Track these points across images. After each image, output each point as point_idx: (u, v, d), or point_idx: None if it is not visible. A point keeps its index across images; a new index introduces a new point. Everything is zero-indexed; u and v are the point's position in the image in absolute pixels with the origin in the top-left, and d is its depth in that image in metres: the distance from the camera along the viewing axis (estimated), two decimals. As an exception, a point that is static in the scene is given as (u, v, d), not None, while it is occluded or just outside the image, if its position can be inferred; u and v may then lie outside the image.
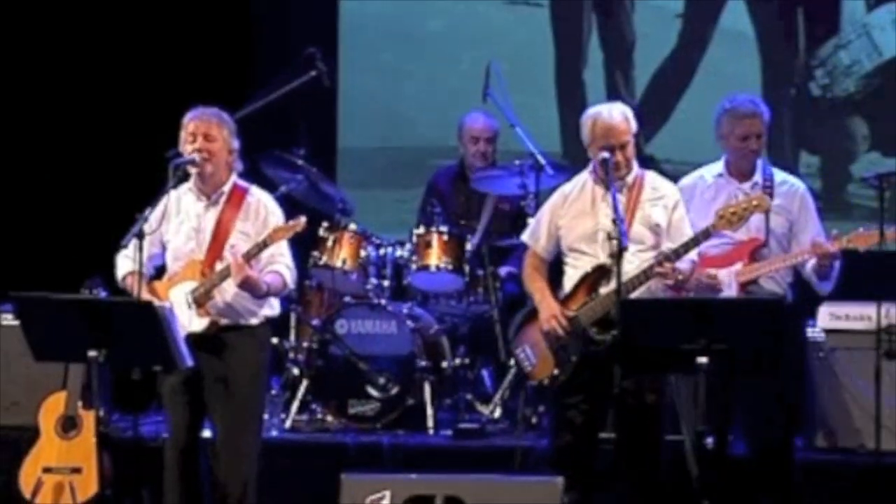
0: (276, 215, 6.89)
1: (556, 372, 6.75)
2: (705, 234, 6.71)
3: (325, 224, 8.57)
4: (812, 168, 9.70)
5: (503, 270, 8.63)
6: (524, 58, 9.85)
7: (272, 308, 6.94)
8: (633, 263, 6.64)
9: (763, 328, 6.20)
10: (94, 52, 9.82)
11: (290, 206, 8.63)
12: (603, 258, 6.69)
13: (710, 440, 6.70)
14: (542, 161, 8.45)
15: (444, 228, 8.52)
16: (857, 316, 7.76)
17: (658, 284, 6.69)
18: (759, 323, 6.24)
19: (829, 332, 7.84)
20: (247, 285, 6.68)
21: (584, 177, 6.91)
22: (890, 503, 7.33)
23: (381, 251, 8.61)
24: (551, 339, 6.76)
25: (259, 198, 6.92)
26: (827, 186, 9.66)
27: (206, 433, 7.00)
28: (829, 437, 7.78)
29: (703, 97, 9.59)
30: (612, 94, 9.86)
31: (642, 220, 6.75)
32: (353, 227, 8.58)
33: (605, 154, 6.70)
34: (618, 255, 6.47)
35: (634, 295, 6.62)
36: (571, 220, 6.83)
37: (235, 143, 6.91)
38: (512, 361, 7.14)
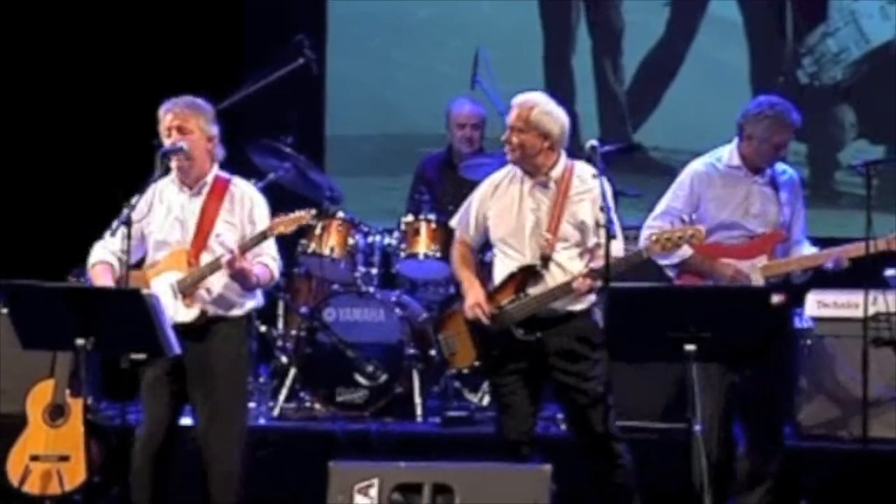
0: (260, 205, 6.87)
1: (476, 364, 6.72)
2: (638, 256, 6.61)
3: (313, 212, 8.54)
4: (800, 156, 9.70)
5: (489, 256, 8.63)
6: (512, 45, 9.84)
7: (256, 299, 6.92)
8: (561, 264, 6.60)
9: (751, 316, 6.20)
10: (83, 40, 9.81)
11: (279, 194, 8.64)
12: (529, 255, 6.61)
13: (698, 428, 6.70)
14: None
15: (432, 216, 8.52)
16: (845, 303, 7.77)
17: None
18: (746, 311, 6.24)
19: (816, 319, 7.85)
20: (239, 276, 6.67)
21: (512, 168, 6.80)
22: (877, 490, 7.34)
23: (370, 239, 8.61)
24: (474, 329, 6.74)
25: (243, 188, 6.90)
26: (814, 174, 9.67)
27: (188, 421, 6.99)
28: (817, 424, 7.79)
29: (691, 85, 9.60)
30: (600, 82, 9.87)
31: (569, 216, 6.64)
32: (341, 214, 8.58)
33: (594, 141, 6.66)
34: (606, 242, 6.45)
35: (555, 305, 6.58)
36: (499, 214, 6.74)
37: (213, 130, 6.84)
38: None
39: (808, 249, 7.07)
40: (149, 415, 6.83)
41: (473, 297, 6.71)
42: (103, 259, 6.77)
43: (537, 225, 6.64)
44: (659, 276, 7.13)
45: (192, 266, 6.73)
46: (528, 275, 6.64)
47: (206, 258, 6.74)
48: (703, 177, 7.04)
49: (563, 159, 6.71)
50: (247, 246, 6.66)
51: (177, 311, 6.70)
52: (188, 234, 6.79)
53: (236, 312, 6.83)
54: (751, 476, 7.05)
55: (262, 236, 6.68)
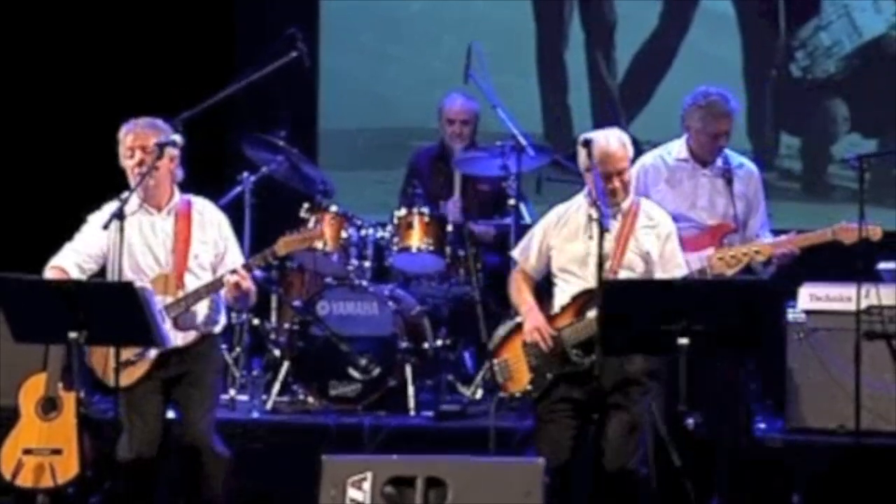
0: (225, 220, 6.93)
1: (529, 388, 6.71)
2: (701, 273, 6.68)
3: (306, 205, 8.55)
4: (792, 149, 9.71)
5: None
6: (505, 39, 9.84)
7: (225, 317, 7.01)
8: None
9: (743, 310, 6.21)
10: (72, 37, 9.79)
11: (271, 188, 8.65)
12: (593, 282, 6.61)
13: (690, 421, 6.71)
14: (524, 142, 8.45)
15: (425, 210, 8.52)
16: (838, 297, 7.77)
17: None
18: (739, 304, 6.24)
19: (809, 312, 7.85)
20: (243, 296, 6.75)
21: (579, 199, 6.80)
22: (870, 483, 7.35)
23: (363, 232, 8.60)
24: (531, 353, 6.71)
25: (205, 205, 6.93)
26: (807, 168, 9.68)
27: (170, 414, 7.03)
28: (809, 417, 7.80)
29: (684, 78, 9.58)
30: (593, 76, 9.87)
31: (635, 247, 6.67)
32: (334, 208, 8.57)
33: (588, 136, 6.66)
34: (599, 237, 6.46)
35: None
36: (564, 242, 6.74)
37: (175, 151, 6.82)
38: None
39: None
40: (136, 435, 6.82)
41: (533, 320, 6.69)
42: (61, 265, 6.77)
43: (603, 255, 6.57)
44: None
45: (179, 289, 6.73)
46: (589, 298, 6.61)
47: (189, 280, 6.75)
48: (649, 170, 7.15)
49: (632, 193, 6.74)
50: (253, 265, 6.71)
51: (175, 337, 6.72)
52: (167, 257, 6.79)
53: (214, 330, 6.93)
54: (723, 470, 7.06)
55: (273, 254, 6.72)
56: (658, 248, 6.68)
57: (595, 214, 6.51)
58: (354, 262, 8.53)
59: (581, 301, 6.66)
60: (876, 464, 7.41)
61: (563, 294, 6.74)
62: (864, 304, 7.45)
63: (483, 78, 8.72)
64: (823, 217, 9.01)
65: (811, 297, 7.86)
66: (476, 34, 9.18)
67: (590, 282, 6.62)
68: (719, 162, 7.13)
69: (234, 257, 6.87)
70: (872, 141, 9.53)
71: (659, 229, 6.71)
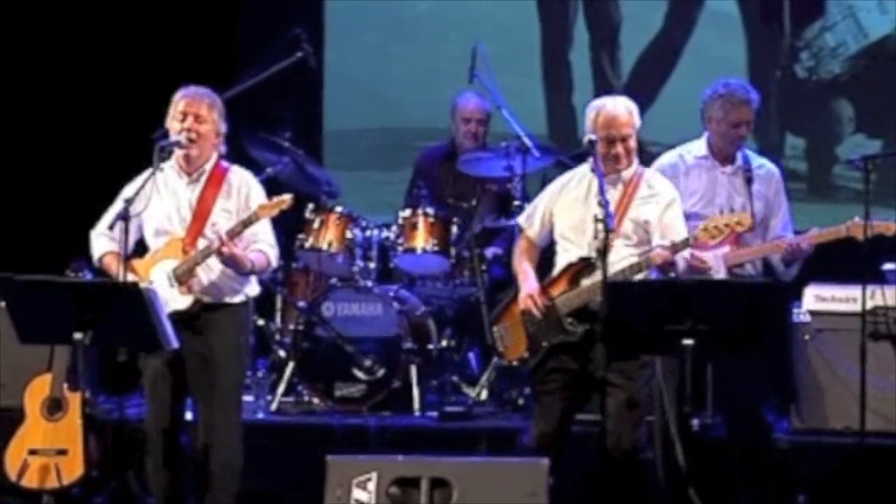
0: (258, 193, 6.89)
1: (525, 355, 6.76)
2: (684, 244, 6.68)
3: (311, 206, 8.56)
4: (797, 150, 9.71)
5: (489, 252, 8.63)
6: (510, 39, 9.84)
7: (253, 287, 6.93)
8: (618, 255, 6.64)
9: (747, 310, 6.20)
10: (79, 33, 9.79)
11: (276, 189, 8.64)
12: (589, 250, 6.68)
13: (695, 422, 6.71)
14: (528, 143, 8.45)
15: (430, 210, 8.51)
16: (843, 297, 7.77)
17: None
18: (743, 305, 6.24)
19: (814, 313, 7.85)
20: (232, 262, 6.67)
21: (585, 168, 6.87)
22: (875, 484, 7.34)
23: (368, 233, 8.60)
24: (527, 321, 6.77)
25: (241, 176, 6.92)
26: (812, 168, 9.68)
27: (189, 415, 7.00)
28: (815, 418, 7.79)
29: (689, 79, 9.59)
30: (598, 76, 9.87)
31: (633, 216, 6.72)
32: (339, 209, 8.58)
33: (593, 136, 6.70)
34: (605, 237, 6.47)
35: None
36: (565, 209, 6.82)
37: (223, 127, 6.90)
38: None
39: None
40: (152, 408, 6.86)
41: (527, 288, 6.77)
42: (109, 250, 6.77)
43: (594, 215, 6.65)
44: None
45: (187, 254, 6.74)
46: (583, 266, 6.70)
47: (202, 246, 6.75)
48: (667, 169, 7.12)
49: (636, 163, 6.79)
50: (234, 231, 6.67)
51: (174, 299, 6.71)
52: (185, 221, 6.80)
53: (233, 300, 6.84)
54: (740, 472, 7.06)
55: (249, 221, 6.68)
56: (657, 214, 6.71)
57: (600, 214, 6.52)
58: (359, 262, 8.53)
59: (575, 269, 6.72)
60: (881, 464, 7.40)
61: (561, 261, 6.80)
62: (869, 305, 7.44)
63: (488, 78, 8.72)
64: (829, 217, 8.99)
65: (816, 297, 7.85)
66: (481, 34, 9.18)
67: (585, 249, 6.69)
68: (739, 161, 7.11)
69: (257, 229, 6.77)
70: (877, 141, 9.52)
71: (659, 197, 6.76)
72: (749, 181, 7.10)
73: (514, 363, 6.86)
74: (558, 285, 6.76)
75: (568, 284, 6.73)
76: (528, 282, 6.80)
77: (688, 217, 6.97)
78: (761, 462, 7.04)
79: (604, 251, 6.47)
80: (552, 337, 6.70)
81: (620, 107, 6.74)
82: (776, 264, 7.09)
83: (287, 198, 6.71)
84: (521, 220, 7.05)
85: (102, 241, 6.86)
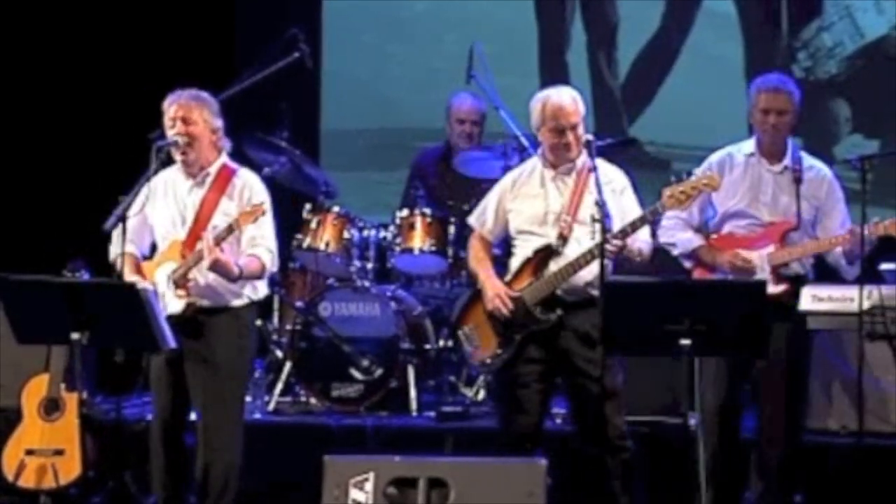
0: (259, 195, 6.87)
1: (499, 351, 6.78)
2: (653, 213, 6.69)
3: (308, 206, 8.56)
4: (795, 150, 9.70)
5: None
6: (507, 39, 9.84)
7: (257, 290, 6.93)
8: (581, 244, 6.67)
9: (746, 311, 6.20)
10: (77, 33, 9.79)
11: (274, 189, 8.63)
12: (552, 239, 6.70)
13: (693, 422, 6.68)
14: (526, 143, 8.45)
15: (427, 211, 8.52)
16: (840, 297, 7.75)
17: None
18: (740, 305, 6.24)
19: (811, 313, 7.84)
20: (217, 268, 6.66)
21: (534, 161, 6.94)
22: (872, 484, 7.35)
23: (365, 233, 8.60)
24: (495, 319, 6.78)
25: (245, 179, 6.91)
26: (810, 168, 9.67)
27: (193, 415, 7.00)
28: (812, 418, 7.79)
29: (686, 79, 9.60)
30: (595, 76, 9.87)
31: (590, 204, 6.71)
32: (336, 209, 8.57)
33: (589, 136, 6.72)
34: (601, 237, 6.48)
35: (584, 280, 6.66)
36: (521, 204, 6.86)
37: (218, 123, 6.89)
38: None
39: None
40: (157, 406, 6.89)
41: (492, 287, 6.79)
42: (126, 251, 6.78)
43: (559, 211, 6.73)
44: (676, 270, 7.15)
45: (185, 257, 6.74)
46: (546, 255, 6.74)
47: (197, 249, 6.74)
48: (714, 166, 7.07)
49: (583, 149, 6.82)
50: (219, 238, 6.66)
51: (170, 303, 6.71)
52: (186, 224, 6.81)
53: (234, 303, 6.83)
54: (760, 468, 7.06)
55: (230, 229, 6.67)
56: (614, 201, 6.72)
57: (598, 215, 6.53)
58: (357, 263, 8.53)
59: (538, 258, 6.76)
60: (878, 465, 7.40)
61: (520, 256, 6.83)
62: (866, 305, 7.43)
63: (485, 78, 8.72)
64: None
65: (813, 297, 7.81)
66: (478, 35, 9.18)
67: (550, 238, 6.72)
68: (788, 161, 7.06)
69: (254, 232, 6.78)
70: (874, 142, 9.53)
71: (613, 184, 6.79)
72: (797, 181, 7.04)
73: (488, 361, 6.86)
74: (522, 278, 6.79)
75: (532, 275, 6.76)
76: (490, 280, 6.83)
77: (733, 215, 6.96)
78: (788, 460, 7.03)
79: (601, 251, 6.47)
80: (524, 329, 6.73)
81: (566, 96, 6.77)
82: (838, 263, 7.04)
83: (262, 205, 6.68)
84: (471, 220, 7.07)
85: (118, 243, 6.86)
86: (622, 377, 6.80)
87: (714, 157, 7.16)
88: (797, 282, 7.03)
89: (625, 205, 6.78)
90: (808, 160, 7.13)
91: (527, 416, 6.75)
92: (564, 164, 6.79)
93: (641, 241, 6.75)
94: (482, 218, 6.99)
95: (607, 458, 6.69)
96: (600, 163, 6.81)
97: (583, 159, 6.81)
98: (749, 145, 7.13)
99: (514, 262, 6.86)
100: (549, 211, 6.78)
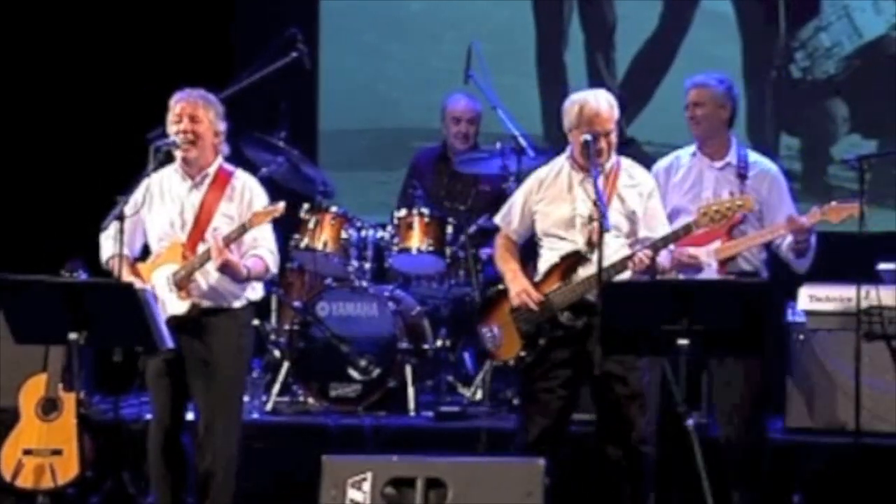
0: (260, 198, 6.89)
1: (522, 353, 6.75)
2: (686, 230, 6.70)
3: (306, 206, 8.56)
4: (792, 150, 9.71)
5: (484, 252, 8.63)
6: (505, 39, 9.84)
7: (255, 291, 6.93)
8: (610, 248, 6.65)
9: (744, 310, 6.21)
10: (75, 34, 9.79)
11: (271, 189, 8.63)
12: (580, 244, 6.69)
13: (691, 422, 6.69)
14: (524, 143, 8.45)
15: (425, 210, 8.52)
16: (837, 297, 7.77)
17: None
18: (740, 305, 6.24)
19: (809, 313, 7.85)
20: (227, 269, 6.67)
21: (561, 161, 6.89)
22: (870, 484, 7.35)
23: (363, 233, 8.60)
24: (520, 319, 6.76)
25: (244, 181, 6.92)
26: (807, 168, 9.67)
27: (190, 416, 7.00)
28: (809, 417, 7.80)
29: (684, 79, 9.57)
30: (593, 76, 9.87)
31: (619, 207, 6.74)
32: (334, 209, 8.58)
33: (588, 136, 6.70)
34: (599, 238, 6.48)
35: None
36: (548, 206, 6.82)
37: (222, 126, 6.91)
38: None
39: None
40: (155, 404, 6.89)
41: (519, 284, 6.76)
42: (116, 252, 6.77)
43: (587, 215, 6.69)
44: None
45: (186, 259, 6.74)
46: (575, 261, 6.71)
47: (201, 251, 6.75)
48: (663, 171, 7.20)
49: (613, 153, 6.80)
50: (230, 238, 6.67)
51: (172, 304, 6.71)
52: (186, 226, 6.81)
53: (234, 304, 6.84)
54: (732, 473, 7.04)
55: (243, 229, 6.68)
56: (641, 206, 6.76)
57: (595, 214, 6.53)
58: (354, 262, 8.53)
59: (566, 263, 6.73)
60: (876, 464, 7.41)
61: (549, 257, 6.80)
62: (864, 305, 7.45)
63: (483, 78, 8.72)
64: (823, 217, 9.02)
65: (811, 297, 7.85)
66: (476, 34, 9.18)
67: (577, 243, 6.70)
68: (731, 158, 7.15)
69: (255, 233, 6.78)
70: (872, 141, 9.52)
71: (641, 188, 6.80)
72: (741, 177, 7.11)
73: (510, 362, 6.85)
74: (550, 281, 6.75)
75: (560, 279, 6.73)
76: (517, 279, 6.79)
77: (677, 210, 6.99)
78: (755, 462, 7.03)
79: (599, 250, 6.47)
80: (549, 332, 6.70)
81: (603, 102, 6.74)
82: (787, 258, 7.08)
83: (280, 206, 6.72)
84: (498, 219, 7.04)
85: (110, 245, 6.85)
86: (647, 378, 6.76)
87: (662, 162, 7.24)
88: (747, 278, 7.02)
89: (651, 209, 6.76)
90: (754, 157, 7.23)
91: (546, 421, 6.70)
92: (595, 168, 6.70)
93: (664, 251, 6.74)
94: (508, 217, 6.94)
95: (626, 460, 6.66)
96: (628, 164, 6.83)
97: (612, 162, 6.79)
98: (692, 147, 7.24)
99: (542, 265, 6.81)
100: (577, 215, 6.72)
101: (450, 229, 8.53)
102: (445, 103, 8.98)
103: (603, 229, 6.47)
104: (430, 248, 8.47)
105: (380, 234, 8.61)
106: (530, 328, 6.73)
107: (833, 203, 6.94)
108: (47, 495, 7.59)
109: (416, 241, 8.48)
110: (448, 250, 8.51)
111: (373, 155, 10.07)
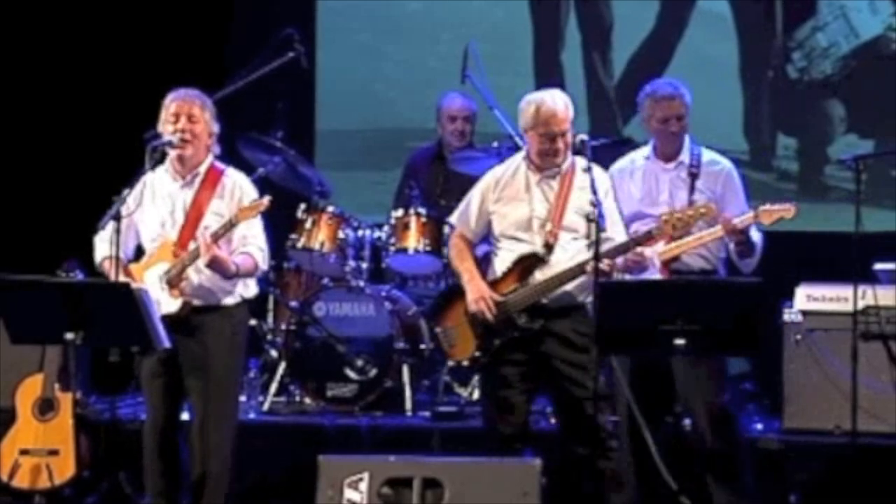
0: (251, 196, 6.88)
1: (476, 354, 6.75)
2: (647, 237, 6.67)
3: (303, 206, 8.56)
4: (789, 150, 9.71)
5: (479, 251, 8.63)
6: (502, 39, 9.84)
7: (249, 288, 6.93)
8: (567, 251, 6.65)
9: (739, 310, 6.21)
10: (71, 33, 9.78)
11: (268, 189, 8.63)
12: (538, 246, 6.67)
13: (687, 422, 6.72)
14: (520, 143, 8.43)
15: (421, 210, 8.52)
16: (834, 297, 7.77)
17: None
18: (735, 305, 6.24)
19: (806, 313, 7.85)
20: (215, 265, 6.66)
21: (518, 161, 6.87)
22: (866, 484, 7.35)
23: (360, 233, 8.60)
24: (476, 321, 6.75)
25: (234, 179, 6.92)
26: (804, 168, 9.68)
27: (185, 416, 6.99)
28: (806, 418, 7.80)
29: (681, 79, 9.55)
30: (590, 76, 9.87)
31: (575, 207, 6.71)
32: (331, 209, 8.58)
33: (584, 136, 6.69)
34: (596, 238, 6.46)
35: (567, 287, 6.62)
36: (504, 206, 6.78)
37: (216, 127, 6.92)
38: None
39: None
40: (150, 404, 6.89)
41: (476, 290, 6.73)
42: (109, 254, 6.76)
43: (544, 217, 6.67)
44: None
45: (177, 257, 6.74)
46: (531, 263, 6.68)
47: (191, 248, 6.74)
48: (617, 173, 7.14)
49: (569, 153, 6.78)
50: (217, 235, 6.67)
51: (164, 303, 6.71)
52: (177, 224, 6.80)
53: (226, 301, 6.83)
54: (708, 469, 7.04)
55: (230, 225, 6.68)
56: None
57: (592, 215, 6.51)
58: (351, 262, 8.53)
59: (523, 265, 6.70)
60: (873, 464, 7.41)
61: (505, 259, 6.77)
62: (860, 305, 7.45)
63: (480, 78, 8.72)
64: (820, 218, 9.05)
65: (808, 297, 7.85)
66: (473, 34, 9.18)
67: (535, 245, 6.67)
68: (684, 157, 7.12)
69: (245, 231, 6.78)
70: (869, 141, 9.53)
71: (595, 185, 6.69)
72: (693, 176, 7.10)
73: (464, 363, 6.85)
74: (506, 283, 6.73)
75: (517, 281, 6.70)
76: (474, 282, 6.76)
77: (633, 217, 6.97)
78: (732, 457, 7.00)
79: (597, 251, 6.46)
80: (505, 334, 6.69)
81: (559, 102, 6.71)
82: (733, 255, 7.05)
83: (265, 200, 6.71)
84: (453, 218, 7.01)
85: (104, 247, 6.85)
86: (604, 379, 6.75)
87: (617, 166, 7.21)
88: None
89: (608, 209, 6.66)
90: (709, 155, 7.20)
91: (513, 416, 6.72)
92: (551, 168, 6.73)
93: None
94: (464, 217, 6.91)
95: (595, 459, 6.66)
96: (581, 161, 6.75)
97: (568, 163, 6.76)
98: (647, 149, 7.20)
99: (499, 266, 6.79)
100: (534, 216, 6.71)
101: (446, 229, 8.51)
102: (441, 102, 8.98)
103: (599, 229, 6.45)
104: (427, 249, 8.47)
105: (376, 234, 8.61)
106: (485, 329, 6.72)
107: (766, 205, 6.88)
108: (44, 495, 7.59)
109: (413, 241, 8.47)
110: (445, 250, 8.49)
111: (370, 155, 10.07)
